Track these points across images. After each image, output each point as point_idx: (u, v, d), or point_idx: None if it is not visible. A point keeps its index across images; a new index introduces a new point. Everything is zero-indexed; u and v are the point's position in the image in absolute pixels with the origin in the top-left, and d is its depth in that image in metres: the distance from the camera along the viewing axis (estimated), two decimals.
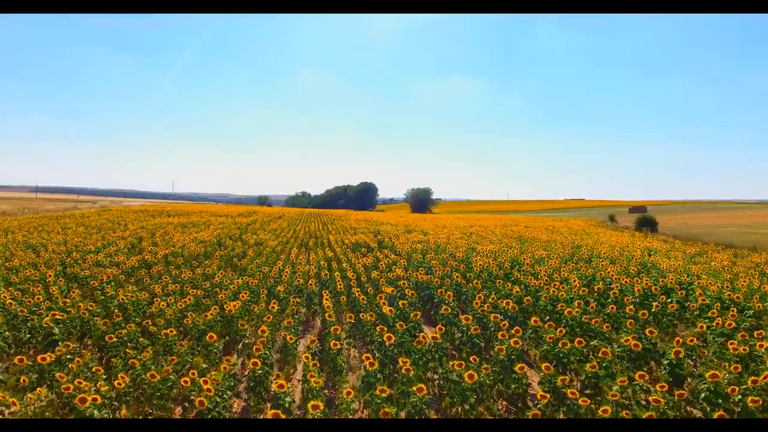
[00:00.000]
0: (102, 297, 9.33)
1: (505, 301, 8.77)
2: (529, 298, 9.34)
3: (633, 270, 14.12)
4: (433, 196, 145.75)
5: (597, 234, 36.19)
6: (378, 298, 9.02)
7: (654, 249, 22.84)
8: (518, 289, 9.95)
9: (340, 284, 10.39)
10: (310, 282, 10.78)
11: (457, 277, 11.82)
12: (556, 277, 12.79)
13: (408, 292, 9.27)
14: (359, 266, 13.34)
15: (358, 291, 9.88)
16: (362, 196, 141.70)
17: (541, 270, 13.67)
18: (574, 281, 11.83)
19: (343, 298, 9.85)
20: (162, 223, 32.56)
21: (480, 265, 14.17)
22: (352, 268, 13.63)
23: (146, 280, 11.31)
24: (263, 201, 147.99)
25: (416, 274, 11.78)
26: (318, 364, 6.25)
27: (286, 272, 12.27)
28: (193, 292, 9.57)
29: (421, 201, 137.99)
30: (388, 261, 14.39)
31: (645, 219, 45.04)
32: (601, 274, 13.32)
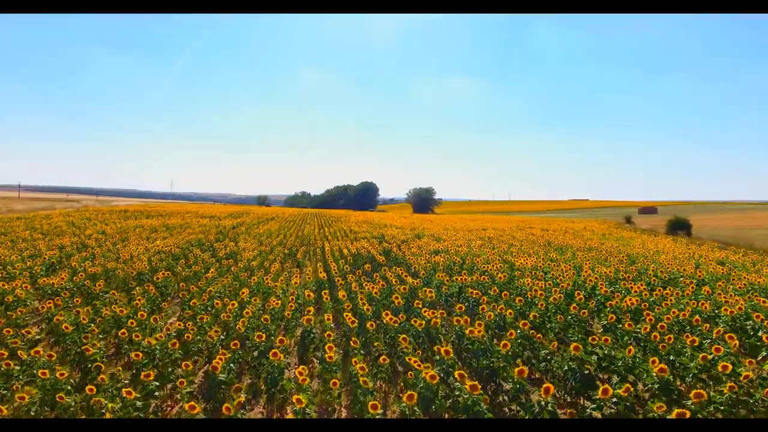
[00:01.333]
0: None
1: (667, 409, 4.17)
2: (702, 392, 4.71)
3: (762, 302, 9.54)
4: (435, 196, 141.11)
5: (630, 239, 31.60)
6: (408, 398, 4.44)
7: (728, 261, 18.26)
8: (661, 365, 5.34)
9: (330, 349, 5.81)
10: (279, 341, 6.19)
11: (524, 324, 7.22)
12: (665, 318, 8.22)
13: (464, 380, 4.68)
14: (362, 299, 8.75)
15: (362, 365, 5.31)
16: (363, 196, 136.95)
17: (632, 304, 9.09)
18: (716, 331, 7.28)
19: (335, 383, 5.25)
20: (130, 226, 27.93)
21: (540, 295, 9.58)
22: (352, 303, 9.06)
23: (6, 332, 6.70)
24: (262, 201, 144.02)
25: (458, 320, 7.16)
26: None
27: (249, 312, 7.69)
28: (41, 373, 4.95)
29: (423, 201, 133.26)
30: (404, 289, 9.79)
31: (678, 222, 40.42)
32: (730, 311, 8.74)
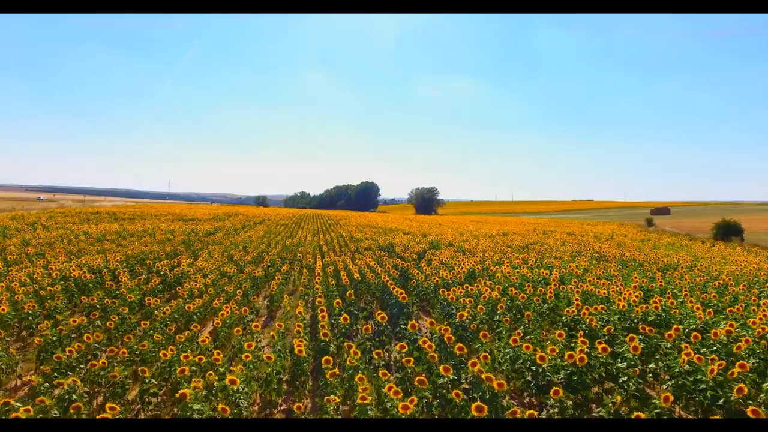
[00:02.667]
0: None
1: None
2: None
3: None
4: (438, 197, 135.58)
5: (686, 247, 26.20)
6: None
7: None
8: None
9: None
10: None
11: None
12: None
13: None
14: None
15: None
16: (363, 197, 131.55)
17: None
18: None
19: None
20: (75, 232, 22.41)
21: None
22: None
23: None
24: (261, 201, 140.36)
25: None
26: None
27: None
28: None
29: (426, 202, 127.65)
30: (477, 410, 4.33)
31: (728, 226, 35.04)
32: None
